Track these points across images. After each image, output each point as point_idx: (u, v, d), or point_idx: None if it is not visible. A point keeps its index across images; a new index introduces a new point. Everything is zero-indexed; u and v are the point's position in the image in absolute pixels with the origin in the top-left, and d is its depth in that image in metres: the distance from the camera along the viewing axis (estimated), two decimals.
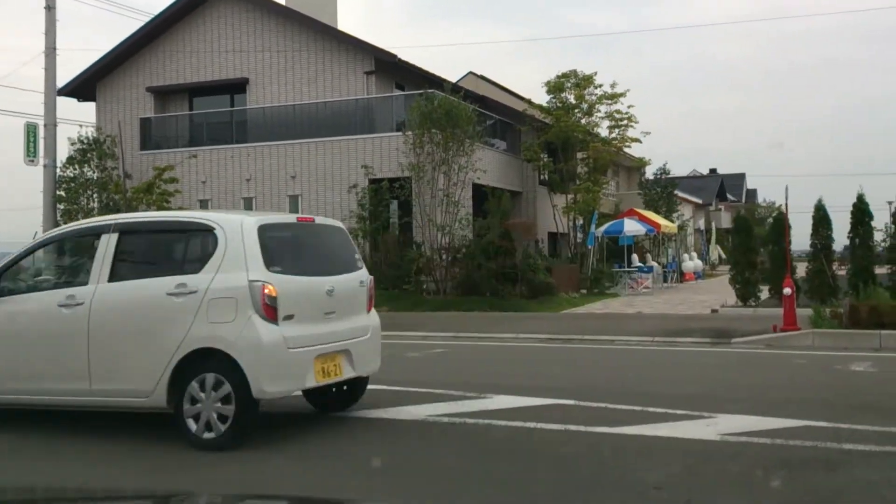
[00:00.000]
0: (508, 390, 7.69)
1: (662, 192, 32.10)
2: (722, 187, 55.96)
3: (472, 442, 5.75)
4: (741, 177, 64.13)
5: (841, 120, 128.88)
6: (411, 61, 22.79)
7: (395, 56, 21.93)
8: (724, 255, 43.61)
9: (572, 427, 5.90)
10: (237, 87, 23.91)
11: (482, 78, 31.27)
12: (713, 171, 62.04)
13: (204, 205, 23.05)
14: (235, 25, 23.77)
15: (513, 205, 22.68)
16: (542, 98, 25.68)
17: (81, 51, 64.16)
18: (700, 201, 47.22)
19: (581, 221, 25.52)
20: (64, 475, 5.09)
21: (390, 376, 9.09)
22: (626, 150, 25.91)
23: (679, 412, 6.27)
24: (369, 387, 8.15)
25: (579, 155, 25.74)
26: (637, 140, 25.19)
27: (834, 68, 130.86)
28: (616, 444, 5.46)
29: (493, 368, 9.97)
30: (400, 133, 20.50)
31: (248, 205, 22.62)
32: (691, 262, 29.00)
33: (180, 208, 18.58)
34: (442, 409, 6.85)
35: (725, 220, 53.61)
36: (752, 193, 66.49)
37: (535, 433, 5.86)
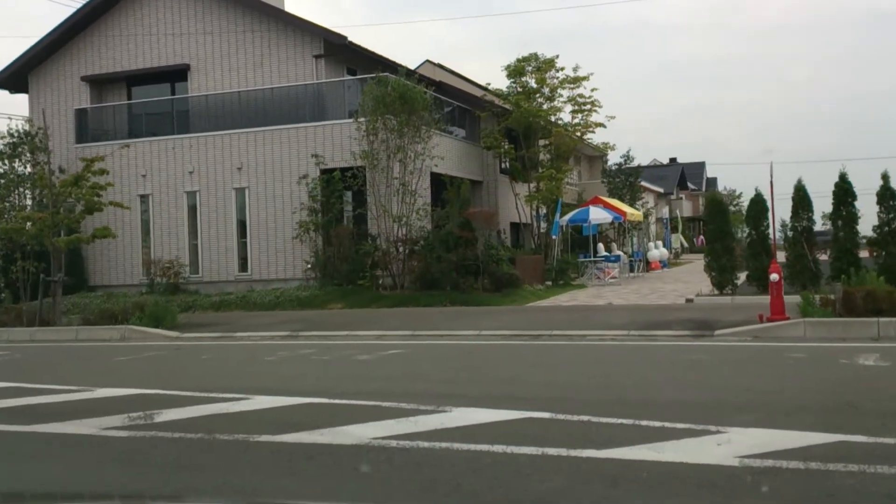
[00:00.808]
0: (472, 401, 6.50)
1: (626, 180, 31.24)
2: (683, 176, 55.61)
3: (424, 475, 4.54)
4: (701, 165, 63.96)
5: (805, 109, 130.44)
6: (364, 46, 21.44)
7: (345, 38, 20.59)
8: (685, 244, 43.12)
9: (551, 451, 4.71)
10: (178, 75, 22.35)
11: (439, 66, 30.02)
12: (673, 160, 61.70)
13: (144, 200, 21.48)
14: (174, 8, 22.19)
15: (473, 194, 21.53)
16: (502, 83, 24.60)
17: (19, 38, 61.24)
18: (661, 190, 46.68)
19: (544, 211, 24.49)
20: None
21: (334, 385, 7.85)
22: (591, 134, 24.89)
23: (679, 426, 5.13)
24: (307, 400, 6.90)
25: (541, 142, 24.70)
26: (601, 125, 24.22)
27: (798, 60, 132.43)
28: (608, 474, 4.29)
29: (454, 372, 8.77)
30: (352, 120, 19.19)
31: (192, 199, 21.10)
32: (657, 251, 28.14)
33: (113, 203, 17.01)
34: (391, 428, 5.63)
35: (687, 209, 53.30)
36: (712, 182, 66.40)
37: (503, 460, 4.66)
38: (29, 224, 17.11)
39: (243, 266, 20.56)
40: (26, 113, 23.44)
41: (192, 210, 21.12)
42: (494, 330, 12.01)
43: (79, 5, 22.81)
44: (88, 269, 21.86)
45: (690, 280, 22.20)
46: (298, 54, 21.06)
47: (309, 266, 19.37)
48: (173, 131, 21.72)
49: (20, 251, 19.69)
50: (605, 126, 24.10)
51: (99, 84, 23.15)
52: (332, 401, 6.90)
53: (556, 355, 9.73)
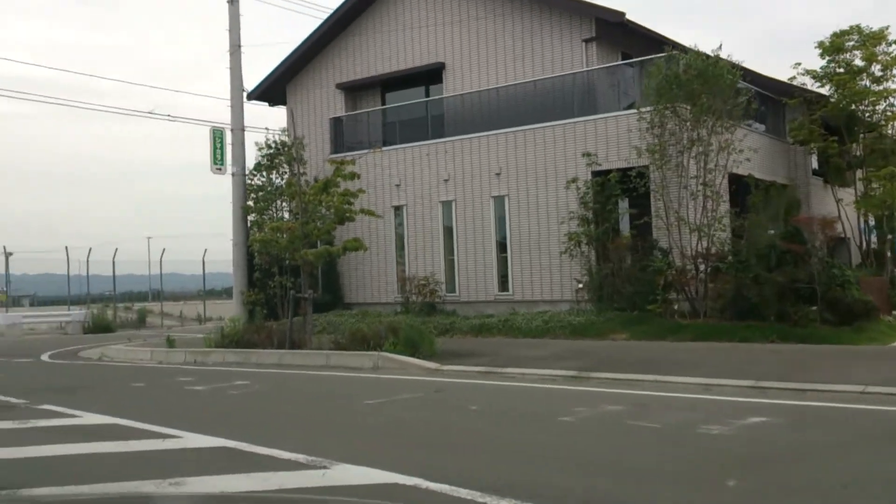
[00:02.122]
0: None
1: None
2: None
3: None
4: None
5: None
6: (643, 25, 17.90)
7: (622, 14, 17.25)
8: None
9: None
10: (432, 76, 20.43)
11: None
12: None
13: (399, 212, 19.63)
14: (427, 3, 20.29)
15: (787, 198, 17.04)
16: (812, 66, 19.81)
17: (272, 45, 64.24)
18: None
19: (872, 221, 19.27)
20: None
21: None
22: None
23: None
24: None
25: (868, 134, 19.53)
26: None
27: None
28: None
29: None
30: (633, 111, 15.78)
31: (448, 209, 18.84)
32: None
33: (364, 210, 15.06)
34: None
35: None
36: None
37: None
38: (282, 236, 15.70)
39: (503, 285, 17.86)
40: (280, 125, 22.93)
41: (448, 221, 18.88)
42: (882, 385, 7.97)
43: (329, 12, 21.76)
44: (344, 285, 20.48)
45: None
46: (565, 40, 18.11)
47: (581, 286, 16.19)
48: (427, 136, 19.74)
49: (278, 265, 18.69)
50: None
51: (353, 91, 21.94)
52: None
53: None
